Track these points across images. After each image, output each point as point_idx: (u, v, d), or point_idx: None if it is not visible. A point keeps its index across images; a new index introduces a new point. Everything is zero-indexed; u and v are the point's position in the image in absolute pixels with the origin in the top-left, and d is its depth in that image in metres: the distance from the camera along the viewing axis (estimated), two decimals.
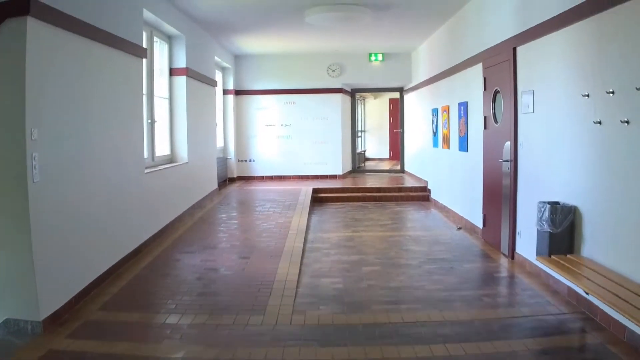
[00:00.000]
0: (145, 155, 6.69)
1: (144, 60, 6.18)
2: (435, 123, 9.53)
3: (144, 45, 6.56)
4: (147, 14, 6.36)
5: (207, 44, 9.41)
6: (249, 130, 12.45)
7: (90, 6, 4.64)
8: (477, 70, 6.85)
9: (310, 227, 7.54)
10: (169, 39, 7.78)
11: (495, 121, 6.20)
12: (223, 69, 11.87)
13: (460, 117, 7.77)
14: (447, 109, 8.60)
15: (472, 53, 7.07)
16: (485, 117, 6.53)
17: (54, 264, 3.99)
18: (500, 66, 5.98)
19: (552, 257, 4.33)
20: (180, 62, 7.86)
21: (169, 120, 7.79)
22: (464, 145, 7.62)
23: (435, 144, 9.52)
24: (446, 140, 8.68)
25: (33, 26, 3.69)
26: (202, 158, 8.94)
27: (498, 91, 6.12)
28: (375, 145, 18.42)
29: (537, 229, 4.63)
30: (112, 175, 5.13)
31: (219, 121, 11.53)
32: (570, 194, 4.49)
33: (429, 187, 10.30)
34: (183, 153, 7.88)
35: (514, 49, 5.56)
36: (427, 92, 10.38)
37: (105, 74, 5.00)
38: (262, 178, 12.48)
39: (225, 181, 11.68)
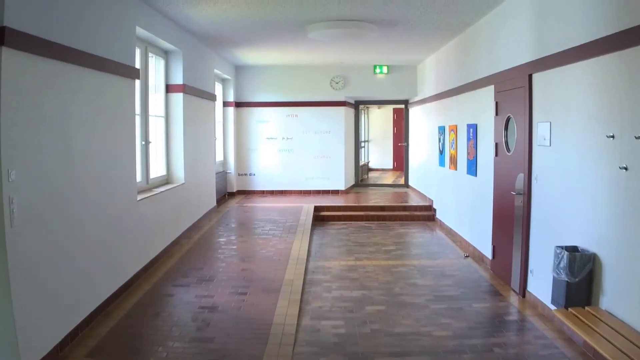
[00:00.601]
0: (139, 178, 6.41)
1: (137, 81, 5.87)
2: (441, 141, 9.21)
3: (137, 65, 6.26)
4: (140, 31, 6.05)
5: (206, 57, 9.11)
6: (249, 144, 12.12)
7: (76, 29, 4.34)
8: (488, 93, 6.53)
9: (311, 254, 7.23)
10: (165, 53, 7.48)
11: (508, 150, 5.88)
12: (223, 80, 11.56)
13: (469, 139, 7.45)
14: (454, 129, 8.28)
15: (483, 74, 6.75)
16: (496, 144, 6.21)
17: (36, 310, 3.69)
18: (514, 92, 5.67)
19: (570, 310, 4.02)
20: (177, 79, 7.55)
21: (165, 140, 7.49)
22: (472, 169, 7.30)
23: (442, 163, 9.20)
24: (453, 161, 8.36)
25: (9, 57, 3.37)
26: (200, 177, 8.64)
27: (511, 118, 5.80)
28: (379, 156, 18.11)
29: (554, 276, 4.33)
30: (100, 209, 4.83)
31: (219, 134, 11.22)
32: (589, 239, 4.18)
33: (434, 206, 9.98)
34: (180, 173, 7.58)
35: (530, 76, 5.23)
36: (433, 108, 10.06)
37: (94, 100, 4.70)
38: (263, 192, 12.16)
39: (225, 196, 11.37)
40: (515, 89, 5.63)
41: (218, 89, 11.15)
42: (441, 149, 9.25)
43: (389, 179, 15.58)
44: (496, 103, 6.20)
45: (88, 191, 4.58)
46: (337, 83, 11.94)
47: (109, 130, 5.03)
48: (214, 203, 9.85)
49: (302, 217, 9.11)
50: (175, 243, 7.21)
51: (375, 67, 11.78)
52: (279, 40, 8.54)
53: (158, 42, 6.89)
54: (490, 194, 6.45)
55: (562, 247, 4.28)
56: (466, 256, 7.16)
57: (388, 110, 17.73)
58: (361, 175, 13.80)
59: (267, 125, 12.07)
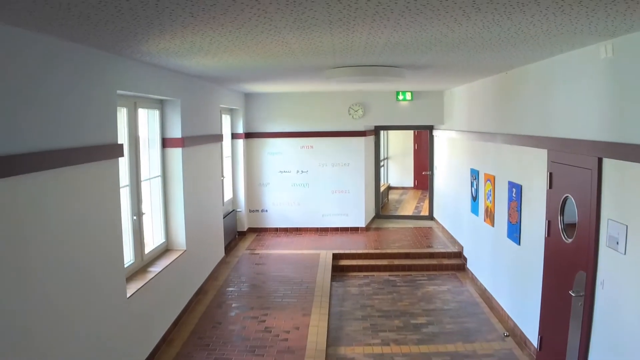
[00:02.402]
0: (132, 259, 5.61)
1: (121, 158, 4.93)
2: (474, 187, 8.22)
3: (124, 129, 5.43)
4: (124, 92, 5.12)
5: (209, 95, 8.12)
6: (261, 178, 11.15)
7: (34, 129, 3.47)
8: (539, 157, 5.51)
9: (331, 330, 6.35)
10: (160, 103, 6.56)
11: (564, 236, 4.90)
12: (231, 111, 10.61)
13: (510, 199, 6.46)
14: (492, 180, 7.28)
15: (531, 131, 5.71)
16: (549, 222, 5.23)
17: None
18: (576, 171, 4.66)
19: None
20: (175, 132, 6.62)
21: (162, 202, 6.61)
22: (514, 235, 6.32)
23: (475, 211, 8.21)
24: (490, 215, 7.37)
25: None
26: (204, 232, 7.74)
27: (569, 198, 4.81)
28: (399, 173, 17.10)
29: None
30: (79, 335, 3.98)
31: (227, 169, 10.34)
32: None
33: (464, 253, 9.01)
34: (181, 240, 6.70)
35: (600, 160, 4.23)
36: (465, 145, 9.02)
37: (65, 200, 3.84)
38: (276, 231, 11.21)
39: (235, 236, 10.47)
40: (577, 168, 4.63)
41: (226, 120, 10.24)
42: (474, 195, 8.26)
43: (411, 202, 14.59)
44: (550, 174, 5.21)
45: (61, 317, 3.73)
46: (355, 111, 10.89)
47: (85, 229, 4.13)
48: (222, 253, 8.97)
49: (319, 274, 8.18)
50: (176, 323, 6.34)
51: (398, 93, 10.74)
52: (291, 79, 7.62)
53: (149, 96, 5.99)
54: (538, 275, 5.49)
55: None
56: (506, 335, 6.23)
57: None
58: (382, 200, 12.81)
59: (279, 157, 11.08)
